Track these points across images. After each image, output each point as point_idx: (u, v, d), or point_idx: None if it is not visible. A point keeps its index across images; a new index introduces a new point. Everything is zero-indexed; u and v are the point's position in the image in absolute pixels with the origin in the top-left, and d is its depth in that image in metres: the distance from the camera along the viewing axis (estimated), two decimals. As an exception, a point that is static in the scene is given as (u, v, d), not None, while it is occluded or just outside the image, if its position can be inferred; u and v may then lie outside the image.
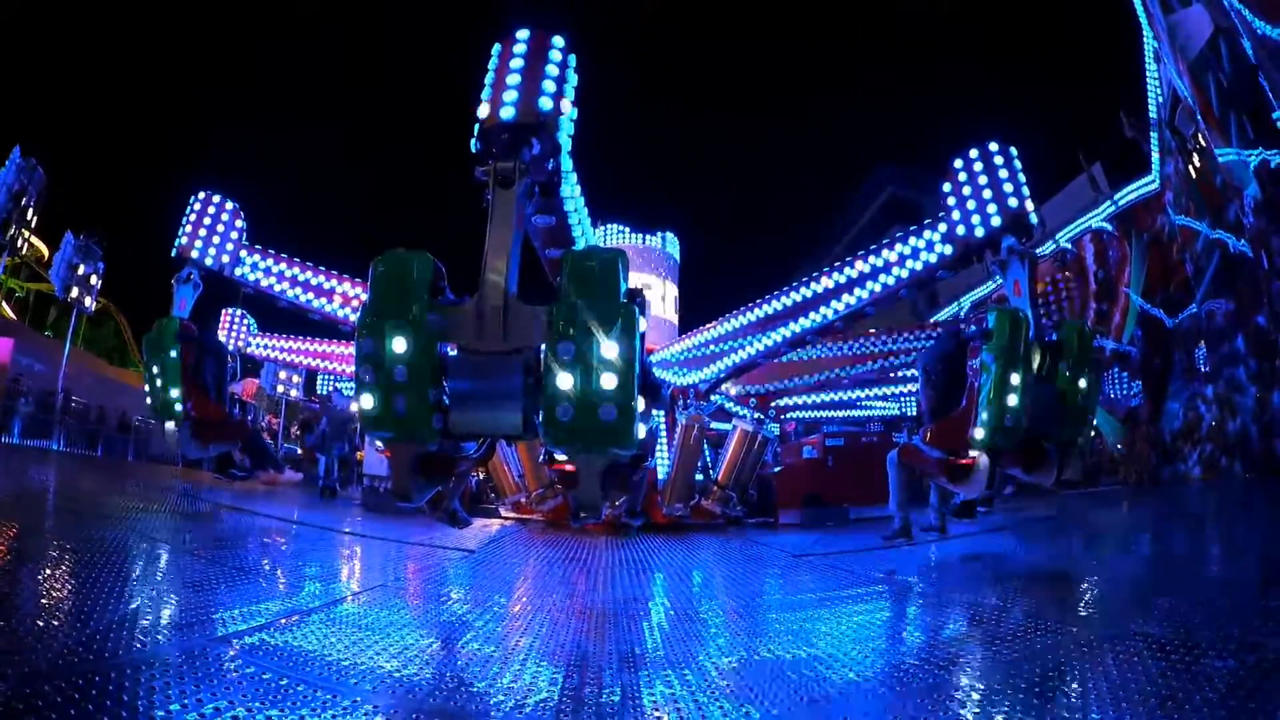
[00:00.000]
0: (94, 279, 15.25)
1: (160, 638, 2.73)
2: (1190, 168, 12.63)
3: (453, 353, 3.75)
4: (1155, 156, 13.77)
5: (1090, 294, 15.05)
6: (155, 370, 6.33)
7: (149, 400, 6.45)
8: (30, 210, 15.24)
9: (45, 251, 23.88)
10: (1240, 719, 1.98)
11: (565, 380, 3.31)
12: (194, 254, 7.19)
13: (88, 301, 15.33)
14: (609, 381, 3.29)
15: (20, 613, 2.78)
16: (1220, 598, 3.61)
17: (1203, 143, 11.79)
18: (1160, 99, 13.26)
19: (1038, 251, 6.82)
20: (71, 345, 16.85)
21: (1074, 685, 2.41)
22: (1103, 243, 15.36)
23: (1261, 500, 9.06)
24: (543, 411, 3.39)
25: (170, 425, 6.53)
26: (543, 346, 3.47)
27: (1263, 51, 9.10)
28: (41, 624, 2.66)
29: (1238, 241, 11.18)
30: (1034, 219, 5.88)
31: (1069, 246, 15.62)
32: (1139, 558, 5.07)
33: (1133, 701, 2.09)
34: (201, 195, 7.42)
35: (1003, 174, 5.84)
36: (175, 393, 6.26)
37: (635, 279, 3.96)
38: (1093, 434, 5.80)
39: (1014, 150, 5.96)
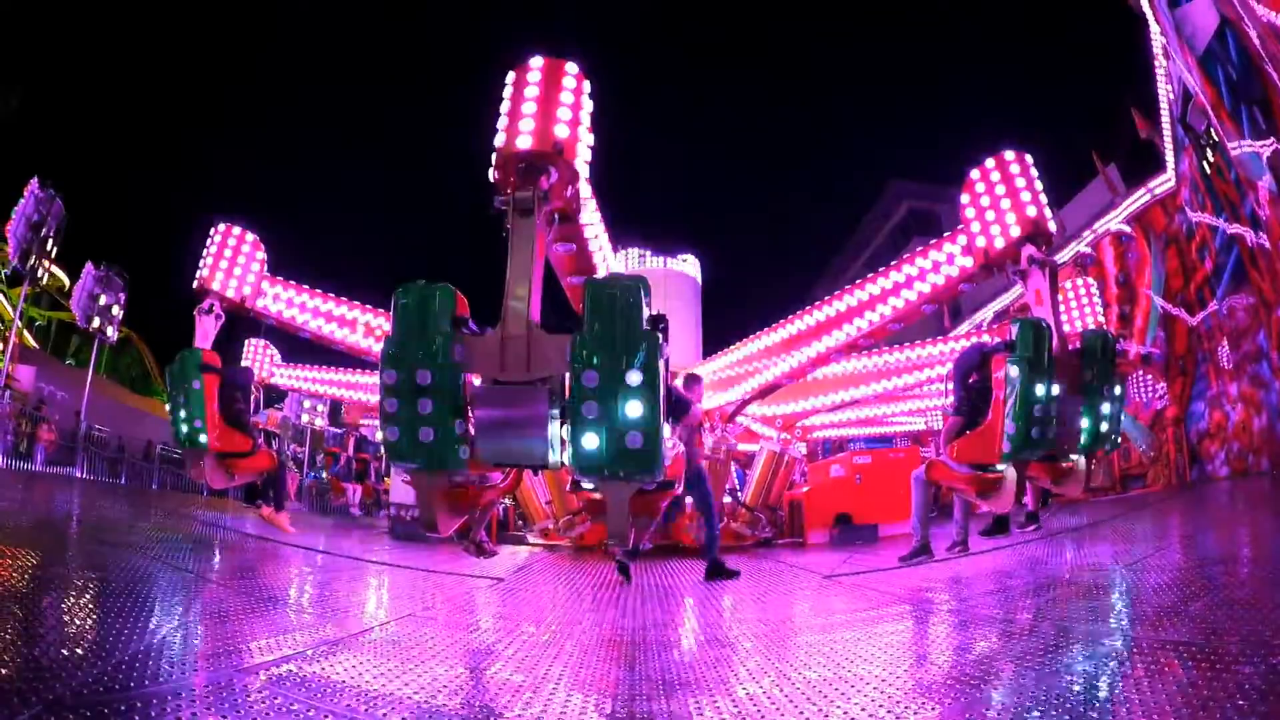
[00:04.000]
0: (116, 309, 15.46)
1: (186, 668, 2.72)
2: (1204, 163, 12.52)
3: (477, 383, 3.77)
4: (1169, 154, 13.66)
5: (1112, 297, 14.92)
6: (179, 401, 6.38)
7: (173, 431, 6.51)
8: (50, 240, 15.43)
9: (66, 281, 24.27)
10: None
11: (590, 409, 3.32)
12: (215, 285, 7.25)
13: (109, 331, 15.54)
14: (634, 409, 3.30)
15: (44, 640, 2.78)
16: (1251, 599, 3.55)
17: (1215, 137, 11.68)
18: (1171, 96, 13.17)
19: (1057, 258, 6.78)
20: (94, 373, 17.09)
21: (1107, 698, 2.37)
22: (1121, 245, 15.25)
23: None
24: (569, 441, 3.41)
25: (194, 455, 6.59)
26: (567, 375, 3.49)
27: (1269, 39, 9.00)
28: (66, 652, 2.65)
29: (1255, 234, 11.05)
30: (1053, 226, 5.84)
31: (1088, 250, 15.50)
32: (1168, 563, 4.98)
33: (1164, 713, 2.06)
34: (221, 227, 7.48)
35: (1020, 182, 5.79)
36: (199, 423, 6.31)
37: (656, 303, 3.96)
38: (1120, 439, 5.73)
39: (1030, 158, 5.93)
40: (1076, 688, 2.45)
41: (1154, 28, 12.61)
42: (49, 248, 15.39)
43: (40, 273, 15.73)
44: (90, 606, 3.56)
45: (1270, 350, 11.10)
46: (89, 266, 15.23)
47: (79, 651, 2.70)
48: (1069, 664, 2.72)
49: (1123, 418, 5.75)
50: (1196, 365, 13.28)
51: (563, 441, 3.55)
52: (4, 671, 2.35)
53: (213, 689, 2.48)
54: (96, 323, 15.08)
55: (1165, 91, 13.26)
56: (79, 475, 14.24)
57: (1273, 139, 9.50)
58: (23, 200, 14.58)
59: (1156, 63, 13.24)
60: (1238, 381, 12.04)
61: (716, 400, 9.93)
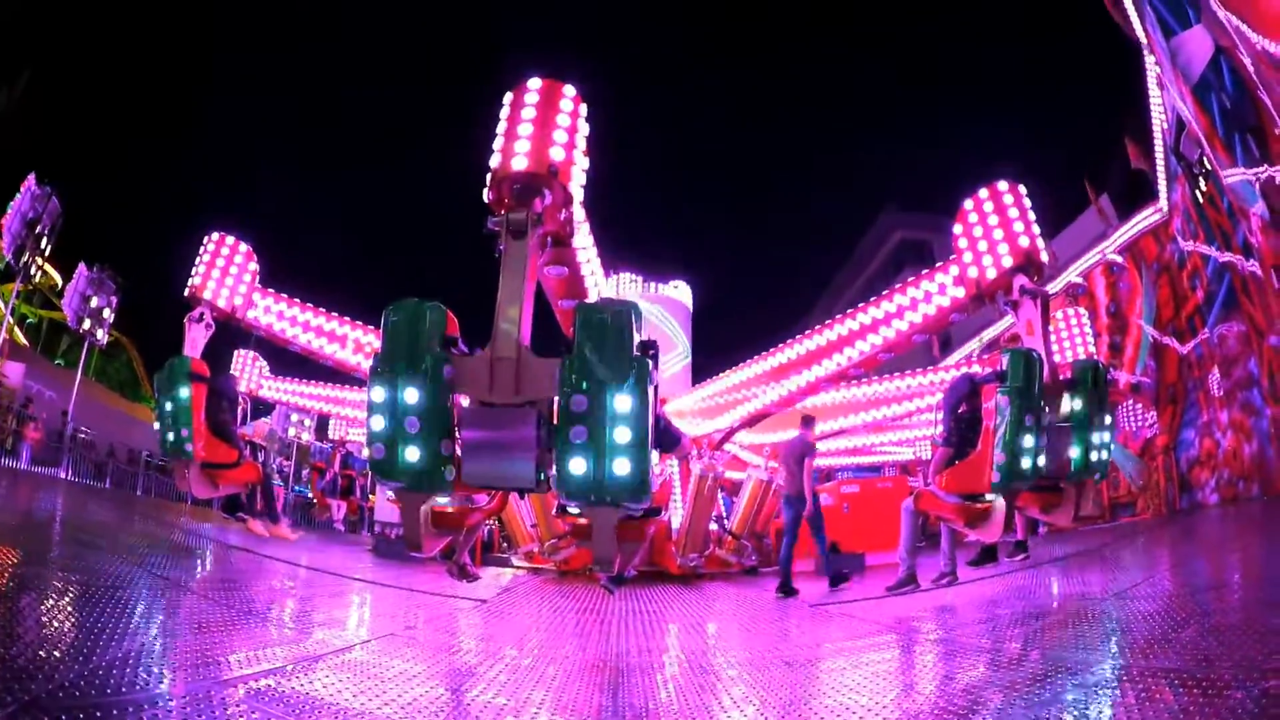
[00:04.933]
0: (107, 312, 15.39)
1: (164, 677, 2.69)
2: (1197, 192, 12.61)
3: (465, 403, 3.75)
4: (1162, 184, 13.77)
5: (1102, 327, 14.99)
6: (166, 409, 6.34)
7: (159, 438, 6.46)
8: (44, 238, 15.40)
9: (59, 280, 24.17)
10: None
11: (578, 433, 3.30)
12: (206, 294, 7.24)
13: (100, 334, 15.45)
14: (622, 435, 3.27)
15: (22, 641, 2.74)
16: (1242, 624, 3.54)
17: (1209, 166, 11.77)
18: (1165, 125, 13.29)
19: (1048, 288, 6.80)
20: (83, 376, 16.97)
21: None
22: (1112, 274, 15.34)
23: (1280, 523, 8.90)
24: (555, 465, 3.38)
25: (180, 464, 6.53)
26: (555, 398, 3.46)
27: (1263, 66, 9.10)
28: (44, 654, 2.62)
29: (1247, 262, 11.12)
30: (1045, 257, 5.86)
31: (1080, 281, 15.59)
32: (1158, 591, 4.98)
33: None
34: (215, 236, 7.48)
35: (1013, 213, 5.82)
36: (186, 432, 6.26)
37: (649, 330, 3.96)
38: (1109, 469, 5.73)
39: (1023, 188, 5.97)
40: (1067, 718, 2.44)
41: (1149, 57, 12.74)
42: (43, 245, 15.36)
43: (33, 270, 15.68)
44: (70, 609, 3.51)
45: (1261, 377, 11.14)
46: (81, 267, 15.16)
47: (57, 654, 2.67)
48: (1059, 693, 2.71)
49: (1112, 448, 5.75)
50: (1187, 393, 13.32)
51: (550, 465, 3.52)
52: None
53: (190, 700, 2.44)
54: (87, 324, 15.01)
55: (1159, 121, 13.38)
56: (64, 476, 14.09)
57: (1266, 166, 9.58)
58: (18, 196, 14.55)
59: (1151, 93, 13.36)
60: (1228, 409, 12.08)
61: (705, 427, 9.94)
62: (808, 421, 8.10)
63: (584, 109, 4.50)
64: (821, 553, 7.85)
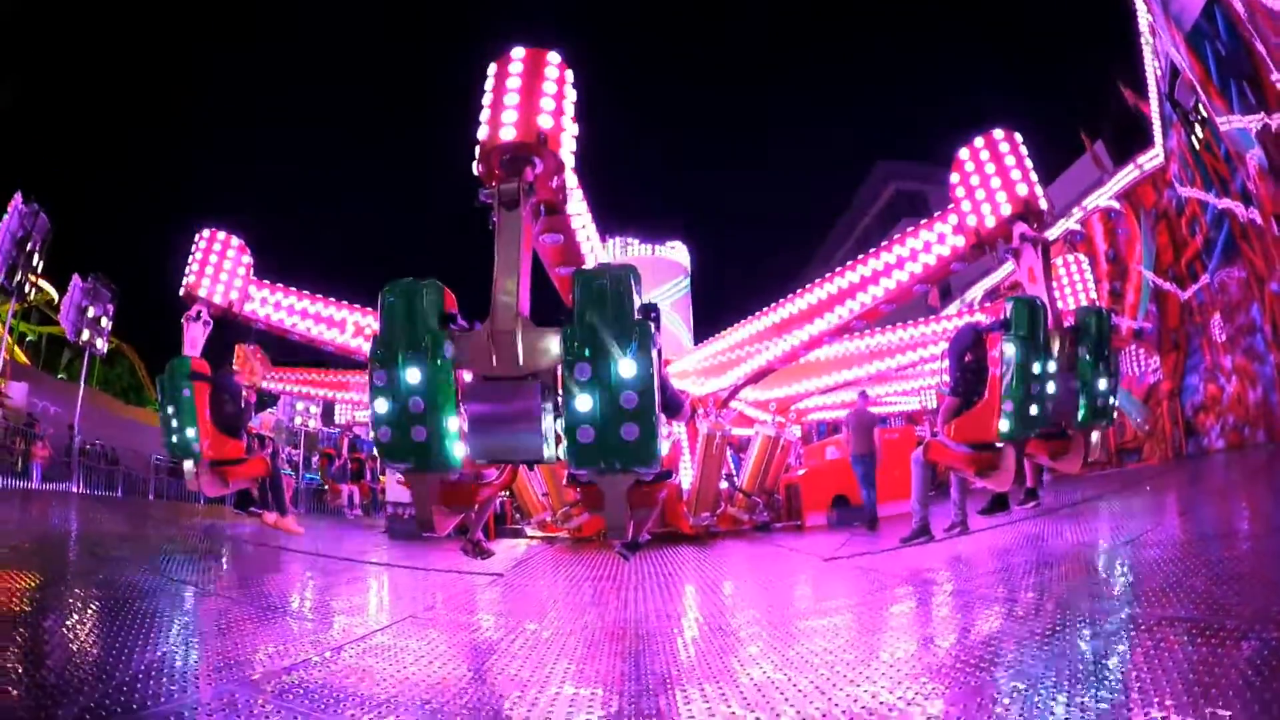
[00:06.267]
0: (104, 321, 15.37)
1: (188, 685, 2.68)
2: (1193, 139, 12.49)
3: (468, 379, 3.72)
4: (1157, 130, 13.63)
5: (1102, 274, 14.91)
6: (170, 410, 6.32)
7: (165, 440, 6.45)
8: (36, 255, 15.35)
9: (54, 295, 24.13)
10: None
11: (584, 402, 3.26)
12: (202, 292, 7.21)
13: (99, 343, 15.44)
14: (628, 400, 3.24)
15: (46, 664, 2.75)
16: (1253, 573, 3.54)
17: (1204, 113, 11.66)
18: (1159, 72, 13.14)
19: (1047, 235, 6.74)
20: (86, 386, 17.00)
21: (1116, 678, 2.35)
22: (1110, 221, 15.24)
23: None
24: (563, 434, 3.36)
25: (189, 464, 6.53)
26: (559, 368, 3.44)
27: (1257, 15, 8.99)
28: (68, 675, 2.63)
29: (1246, 209, 11.04)
30: (1044, 204, 5.81)
31: (1078, 228, 15.48)
32: (1168, 538, 4.99)
33: (1177, 691, 2.04)
34: (206, 232, 7.44)
35: (1009, 160, 5.77)
36: (191, 432, 6.25)
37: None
38: (1115, 414, 5.71)
39: (1019, 136, 5.91)
40: (1084, 667, 2.43)
41: (1140, 5, 12.59)
42: (35, 262, 15.30)
43: (28, 288, 15.64)
44: (90, 626, 3.52)
45: (1264, 324, 11.10)
46: (76, 279, 15.12)
47: (79, 674, 2.66)
48: (1075, 643, 2.71)
49: (1118, 393, 5.73)
50: (1189, 339, 13.28)
51: (557, 436, 3.50)
52: (4, 701, 2.31)
53: (215, 706, 2.44)
54: (86, 335, 14.98)
55: (1153, 68, 13.22)
56: (75, 490, 14.13)
57: (1262, 114, 9.49)
58: (6, 216, 14.47)
59: (1143, 39, 13.20)
60: (1231, 355, 12.05)
61: (710, 386, 9.93)
62: (864, 395, 9.81)
63: (570, 75, 4.44)
64: (868, 503, 9.03)
